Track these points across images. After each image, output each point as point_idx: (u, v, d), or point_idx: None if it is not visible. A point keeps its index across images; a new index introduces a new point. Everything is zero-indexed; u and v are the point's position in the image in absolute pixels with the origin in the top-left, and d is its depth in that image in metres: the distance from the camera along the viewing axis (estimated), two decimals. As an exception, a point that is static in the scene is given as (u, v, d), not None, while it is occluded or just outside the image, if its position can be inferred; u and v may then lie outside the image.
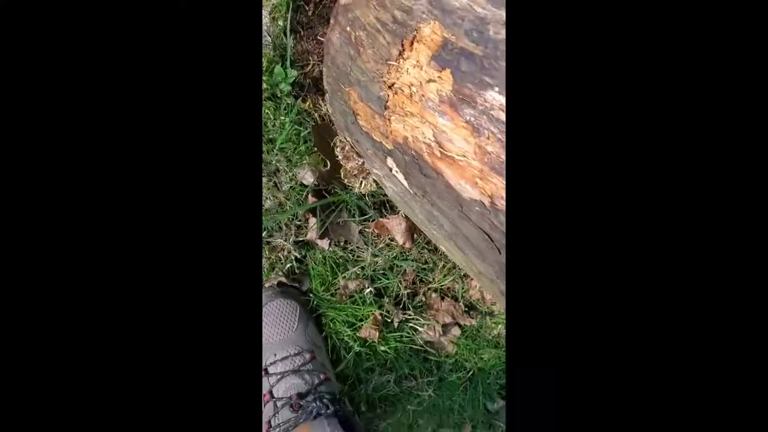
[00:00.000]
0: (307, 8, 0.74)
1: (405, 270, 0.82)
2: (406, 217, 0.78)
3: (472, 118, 0.40)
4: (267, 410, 0.68)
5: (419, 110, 0.46)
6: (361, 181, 0.76)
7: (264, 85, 0.73)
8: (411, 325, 0.83)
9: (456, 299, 0.86)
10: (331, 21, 0.58)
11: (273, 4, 0.71)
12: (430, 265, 0.83)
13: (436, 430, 0.86)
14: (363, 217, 0.80)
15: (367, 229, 0.80)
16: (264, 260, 0.79)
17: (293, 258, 0.79)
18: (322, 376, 0.74)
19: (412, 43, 0.46)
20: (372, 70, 0.51)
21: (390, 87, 0.49)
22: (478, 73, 0.39)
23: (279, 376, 0.71)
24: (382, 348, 0.82)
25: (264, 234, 0.78)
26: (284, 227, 0.79)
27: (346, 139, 0.70)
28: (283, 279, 0.79)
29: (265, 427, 0.67)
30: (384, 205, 0.81)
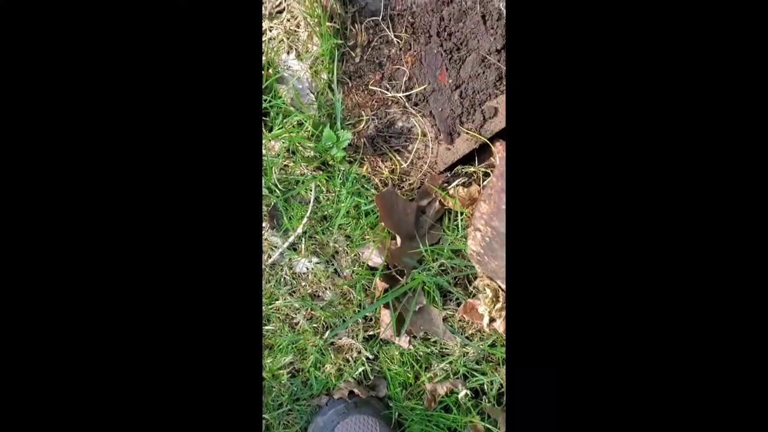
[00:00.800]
0: (353, 54, 0.61)
1: (505, 360, 0.65)
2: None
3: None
4: None
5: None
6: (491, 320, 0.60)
7: (312, 153, 0.60)
8: (521, 430, 0.65)
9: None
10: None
11: (314, 56, 0.59)
12: (537, 350, 0.66)
13: None
14: (446, 301, 0.63)
15: (451, 313, 0.64)
16: (329, 366, 0.63)
17: (364, 359, 0.63)
18: None
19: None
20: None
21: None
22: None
23: None
24: (489, 465, 0.64)
25: (327, 333, 0.63)
26: (349, 322, 0.64)
27: (497, 284, 0.57)
28: (355, 389, 0.62)
29: None
30: (469, 280, 0.65)
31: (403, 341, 0.61)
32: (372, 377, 0.64)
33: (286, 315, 0.63)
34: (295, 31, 0.60)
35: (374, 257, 0.62)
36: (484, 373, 0.64)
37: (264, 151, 0.59)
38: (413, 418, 0.63)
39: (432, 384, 0.63)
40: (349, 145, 0.60)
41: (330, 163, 0.60)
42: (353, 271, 0.62)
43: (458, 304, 0.64)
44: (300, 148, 0.60)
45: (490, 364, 0.64)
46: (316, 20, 0.57)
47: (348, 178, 0.59)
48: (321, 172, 0.60)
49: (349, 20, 0.59)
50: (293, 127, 0.59)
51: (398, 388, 0.63)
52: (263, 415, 0.61)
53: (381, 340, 0.63)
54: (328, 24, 0.56)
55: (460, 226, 0.63)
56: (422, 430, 0.63)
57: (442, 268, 0.63)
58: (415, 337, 0.63)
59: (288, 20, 0.60)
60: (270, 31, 0.60)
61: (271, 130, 0.59)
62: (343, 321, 0.63)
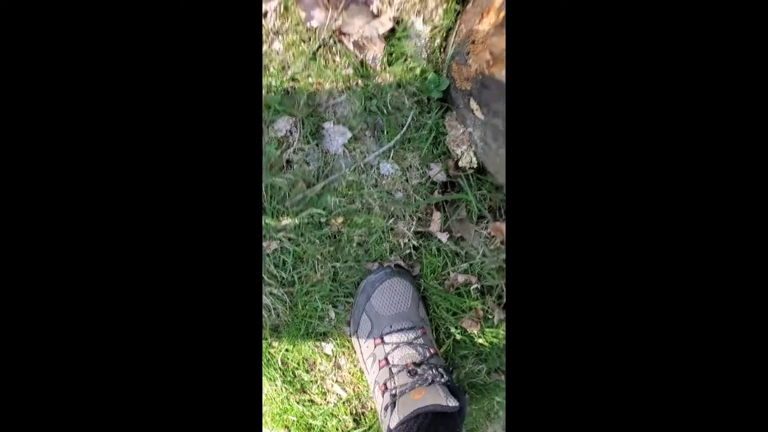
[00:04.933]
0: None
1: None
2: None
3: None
4: (382, 374, 0.77)
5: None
6: (463, 153, 0.84)
7: (412, 89, 0.83)
8: (507, 323, 0.90)
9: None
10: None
11: (434, 25, 0.81)
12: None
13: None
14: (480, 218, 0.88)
15: (483, 231, 0.88)
16: (387, 244, 0.88)
17: (411, 246, 0.88)
18: (431, 350, 0.81)
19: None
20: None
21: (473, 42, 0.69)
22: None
23: (394, 346, 0.79)
24: (479, 340, 0.89)
25: (390, 221, 0.87)
26: (408, 217, 0.88)
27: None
28: (400, 262, 0.88)
29: (380, 388, 0.76)
30: (500, 211, 0.89)
31: (443, 236, 0.86)
32: (413, 259, 0.89)
33: (367, 202, 0.88)
34: (424, -2, 0.82)
35: (439, 175, 0.86)
36: (493, 278, 0.88)
37: (379, 80, 0.83)
38: (435, 294, 0.88)
39: (454, 274, 0.88)
40: (445, 91, 0.83)
41: (426, 101, 0.83)
42: (420, 182, 0.87)
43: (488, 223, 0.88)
44: (407, 84, 0.83)
45: (500, 274, 0.89)
46: (443, -4, 0.79)
47: (435, 114, 0.83)
48: (417, 107, 0.83)
49: (465, 1, 0.81)
50: (407, 69, 0.82)
51: (429, 270, 0.88)
52: (336, 264, 0.87)
53: (425, 234, 0.88)
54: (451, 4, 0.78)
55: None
56: (438, 302, 0.88)
57: (483, 195, 0.87)
58: (452, 236, 0.87)
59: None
60: (406, -6, 0.82)
61: (390, 65, 0.82)
62: (403, 215, 0.87)
